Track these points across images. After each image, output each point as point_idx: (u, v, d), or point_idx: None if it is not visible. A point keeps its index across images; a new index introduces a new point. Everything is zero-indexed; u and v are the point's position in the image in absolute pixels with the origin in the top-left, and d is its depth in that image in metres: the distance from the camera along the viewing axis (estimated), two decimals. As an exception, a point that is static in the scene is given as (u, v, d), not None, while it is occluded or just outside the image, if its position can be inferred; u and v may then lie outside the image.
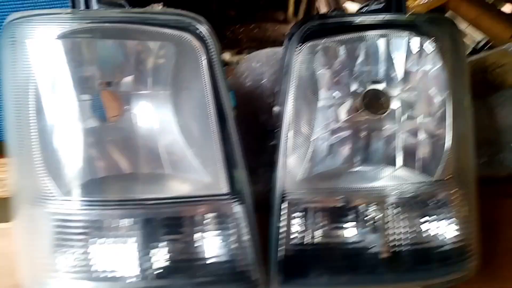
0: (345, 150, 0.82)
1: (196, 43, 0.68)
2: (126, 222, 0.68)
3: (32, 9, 0.72)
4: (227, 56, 1.56)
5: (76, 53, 0.70)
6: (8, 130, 0.71)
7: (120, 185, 0.73)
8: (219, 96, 0.69)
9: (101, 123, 0.74)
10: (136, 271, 0.68)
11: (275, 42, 1.57)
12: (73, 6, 0.70)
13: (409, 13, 0.77)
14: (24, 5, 0.93)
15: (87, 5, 0.70)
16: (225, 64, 1.51)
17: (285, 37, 0.75)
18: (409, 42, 0.77)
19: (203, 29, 0.67)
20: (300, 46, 0.71)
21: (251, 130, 0.93)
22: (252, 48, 1.52)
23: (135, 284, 0.68)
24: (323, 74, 0.79)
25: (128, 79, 0.75)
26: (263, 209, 0.76)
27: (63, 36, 0.66)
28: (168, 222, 0.70)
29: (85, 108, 0.72)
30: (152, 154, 0.75)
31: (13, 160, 0.71)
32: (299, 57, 0.72)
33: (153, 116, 0.76)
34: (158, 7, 0.85)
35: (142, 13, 0.69)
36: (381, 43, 0.78)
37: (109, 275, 0.68)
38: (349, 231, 0.75)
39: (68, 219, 0.67)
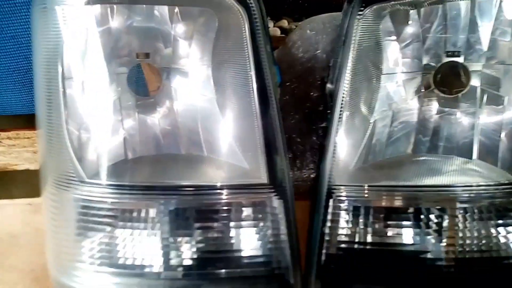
0: (411, 136, 0.71)
1: (237, 8, 0.59)
2: (154, 211, 0.63)
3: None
4: (285, 23, 1.46)
5: (108, 20, 0.64)
6: (36, 103, 0.67)
7: (153, 168, 0.68)
8: (262, 70, 0.60)
9: (137, 99, 0.69)
10: (164, 264, 0.63)
11: (342, 7, 1.42)
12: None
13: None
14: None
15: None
16: (283, 32, 1.40)
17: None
18: (499, 5, 0.64)
19: None
20: (363, 10, 0.60)
21: (301, 109, 0.84)
22: (314, 14, 1.42)
23: (163, 279, 0.63)
24: (389, 44, 0.68)
25: (168, 51, 0.68)
26: (309, 198, 0.68)
27: (93, 2, 0.61)
28: (200, 211, 0.63)
29: (120, 82, 0.67)
30: (191, 134, 0.70)
31: (41, 135, 0.67)
32: (361, 24, 0.61)
33: (193, 93, 0.70)
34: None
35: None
36: (463, 6, 0.66)
37: (136, 268, 0.63)
38: (408, 235, 0.64)
39: (93, 206, 0.63)
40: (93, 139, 0.65)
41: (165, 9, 0.66)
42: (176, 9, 0.66)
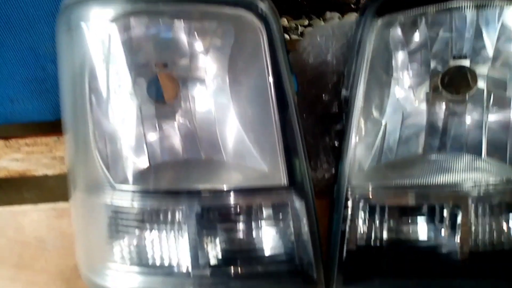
0: (421, 136, 0.74)
1: (256, 21, 0.61)
2: (181, 212, 0.66)
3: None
4: (284, 21, 1.46)
5: (131, 35, 0.67)
6: (64, 111, 0.70)
7: (176, 173, 0.70)
8: (281, 79, 0.62)
9: (157, 107, 0.72)
10: (191, 263, 0.66)
11: (342, 6, 1.41)
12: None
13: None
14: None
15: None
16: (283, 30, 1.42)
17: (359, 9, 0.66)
18: (502, 13, 0.66)
19: (264, 6, 0.61)
20: (376, 21, 0.62)
21: (313, 112, 0.86)
22: (314, 12, 1.41)
23: (191, 280, 0.66)
24: (399, 50, 0.70)
25: (185, 61, 0.71)
26: (322, 197, 0.71)
27: (117, 18, 0.64)
28: (224, 213, 0.67)
29: (141, 92, 0.70)
30: (210, 140, 0.72)
31: (68, 141, 0.70)
32: (374, 35, 0.63)
33: (210, 101, 0.72)
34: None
35: (197, -9, 0.63)
36: (469, 14, 0.67)
37: (164, 266, 0.67)
38: (422, 231, 0.68)
39: (123, 211, 0.66)
40: (118, 147, 0.68)
41: (182, 22, 0.67)
42: (195, 24, 0.68)
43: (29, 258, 0.84)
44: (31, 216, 0.90)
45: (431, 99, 0.73)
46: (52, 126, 0.99)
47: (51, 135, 1.04)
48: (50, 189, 1.07)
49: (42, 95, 1.04)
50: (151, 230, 0.66)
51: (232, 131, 0.71)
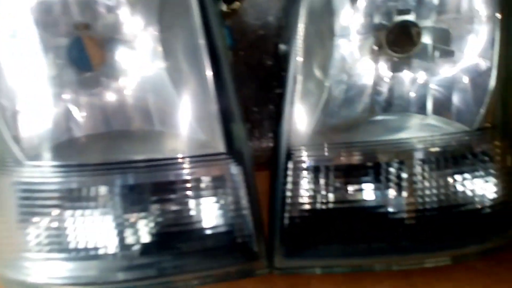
0: (366, 97, 0.71)
1: None
2: (106, 189, 0.59)
3: None
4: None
5: None
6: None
7: (100, 146, 0.63)
8: (210, 33, 0.57)
9: (79, 74, 0.64)
10: (120, 247, 0.60)
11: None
12: None
13: None
14: None
15: None
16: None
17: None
18: None
19: None
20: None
21: (256, 77, 0.82)
22: None
23: (119, 262, 0.60)
24: (341, 5, 0.67)
25: (109, 20, 0.64)
26: (269, 168, 0.67)
27: None
28: (155, 188, 0.60)
29: (59, 56, 0.62)
30: (141, 108, 0.66)
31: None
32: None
33: (139, 64, 0.65)
34: None
35: None
36: None
37: (89, 252, 0.60)
38: (368, 193, 0.65)
39: (36, 188, 0.58)
40: (31, 118, 0.60)
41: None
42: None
43: None
44: None
45: (376, 57, 0.70)
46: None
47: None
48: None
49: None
50: (72, 210, 0.59)
51: (165, 97, 0.65)
